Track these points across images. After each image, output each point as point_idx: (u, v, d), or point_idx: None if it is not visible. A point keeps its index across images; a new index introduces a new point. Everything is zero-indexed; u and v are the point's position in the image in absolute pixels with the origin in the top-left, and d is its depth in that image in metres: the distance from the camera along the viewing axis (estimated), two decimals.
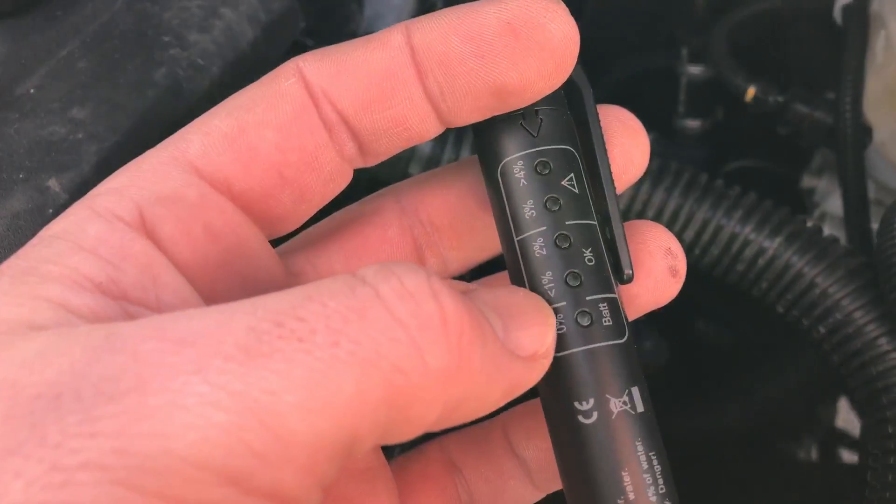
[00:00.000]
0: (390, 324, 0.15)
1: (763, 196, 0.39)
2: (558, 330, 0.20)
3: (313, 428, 0.14)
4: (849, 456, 0.59)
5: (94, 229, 0.18)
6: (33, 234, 0.18)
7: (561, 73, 0.20)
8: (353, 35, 0.52)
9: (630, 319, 0.22)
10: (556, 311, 0.20)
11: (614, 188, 0.22)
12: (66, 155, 0.27)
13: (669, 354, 0.58)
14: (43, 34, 0.30)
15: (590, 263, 0.20)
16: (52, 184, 0.26)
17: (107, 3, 0.31)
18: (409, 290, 0.16)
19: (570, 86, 0.22)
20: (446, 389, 0.16)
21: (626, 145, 0.23)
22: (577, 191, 0.21)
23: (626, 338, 0.20)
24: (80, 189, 0.26)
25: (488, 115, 0.21)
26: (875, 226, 0.39)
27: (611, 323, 0.20)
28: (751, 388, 0.57)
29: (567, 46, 0.19)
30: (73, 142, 0.27)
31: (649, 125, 0.22)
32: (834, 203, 0.52)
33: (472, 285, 0.20)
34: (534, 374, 0.19)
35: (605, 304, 0.20)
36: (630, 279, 0.21)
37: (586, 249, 0.20)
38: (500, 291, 0.19)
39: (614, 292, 0.21)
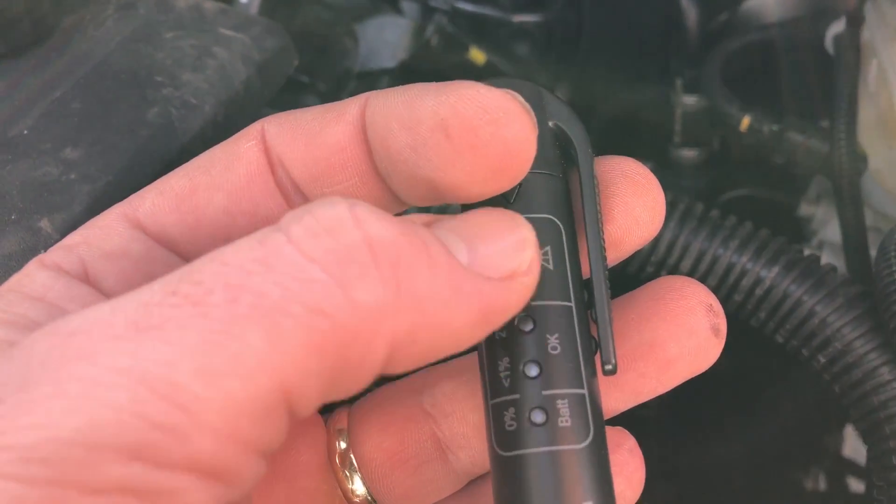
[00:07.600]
0: (302, 265, 0.14)
1: (761, 225, 0.39)
2: (508, 427, 0.18)
3: (222, 391, 0.14)
4: (857, 485, 0.58)
5: (42, 279, 0.18)
6: None
7: (501, 180, 0.18)
8: (348, 71, 0.52)
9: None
10: (507, 404, 0.18)
11: (602, 265, 0.19)
12: (58, 195, 0.27)
13: None
14: (37, 75, 0.30)
15: (554, 352, 0.18)
16: (45, 224, 0.26)
17: (100, 44, 0.31)
18: (325, 224, 0.15)
19: (567, 140, 0.20)
20: (387, 324, 0.15)
21: (631, 204, 0.20)
22: (551, 266, 0.19)
23: (588, 441, 0.17)
24: (72, 229, 0.26)
25: (437, 203, 0.19)
26: (874, 252, 0.39)
27: (569, 424, 0.17)
28: (757, 416, 0.57)
29: (507, 152, 0.17)
30: (66, 182, 0.27)
31: (646, 155, 0.21)
32: (832, 230, 0.52)
33: (439, 216, 0.18)
34: (514, 296, 0.17)
35: (566, 401, 0.18)
36: (613, 371, 0.19)
37: (552, 335, 0.18)
38: (466, 214, 0.18)
39: (582, 388, 0.18)
